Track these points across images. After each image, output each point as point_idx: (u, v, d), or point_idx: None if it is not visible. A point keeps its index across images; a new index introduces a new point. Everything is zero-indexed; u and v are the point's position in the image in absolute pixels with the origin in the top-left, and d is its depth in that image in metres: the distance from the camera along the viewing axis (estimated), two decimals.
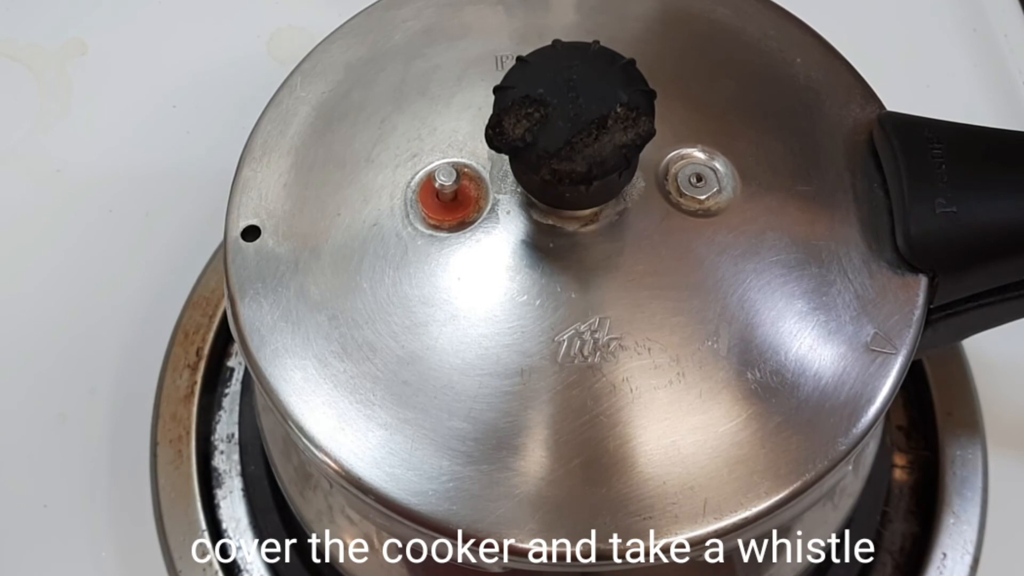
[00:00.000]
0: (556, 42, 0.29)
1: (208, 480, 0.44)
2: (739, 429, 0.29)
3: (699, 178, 0.32)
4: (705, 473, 0.29)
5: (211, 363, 0.46)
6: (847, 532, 0.40)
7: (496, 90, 0.29)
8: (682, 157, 0.32)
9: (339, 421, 0.29)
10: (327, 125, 0.34)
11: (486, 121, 0.29)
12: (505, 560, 0.29)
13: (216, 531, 0.43)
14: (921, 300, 0.31)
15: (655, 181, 0.32)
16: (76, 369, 0.48)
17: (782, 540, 0.37)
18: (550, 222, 0.31)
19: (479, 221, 0.32)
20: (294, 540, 0.42)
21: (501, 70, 0.29)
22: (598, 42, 0.29)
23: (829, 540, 0.39)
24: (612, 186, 0.30)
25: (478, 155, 0.32)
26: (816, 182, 0.32)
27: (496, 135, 0.28)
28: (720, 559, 0.31)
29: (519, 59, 0.29)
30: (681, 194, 0.32)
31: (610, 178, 0.29)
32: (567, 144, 0.28)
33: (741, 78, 0.34)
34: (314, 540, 0.39)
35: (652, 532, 0.28)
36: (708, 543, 0.29)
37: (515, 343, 0.30)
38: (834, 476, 0.30)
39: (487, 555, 0.29)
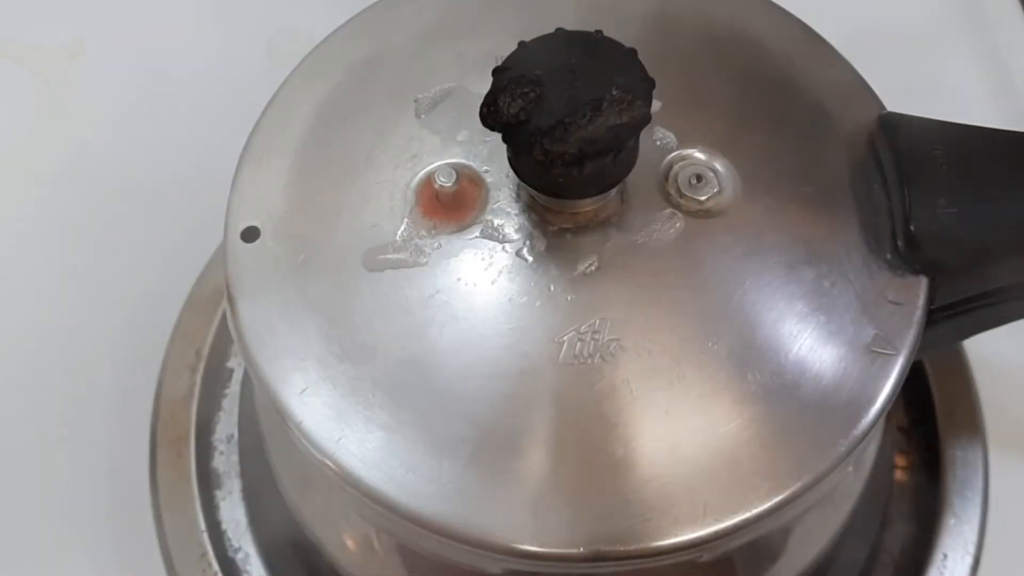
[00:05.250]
0: (559, 30, 0.30)
1: (208, 481, 0.44)
2: (739, 430, 0.29)
3: (699, 179, 0.32)
4: (705, 474, 0.29)
5: (211, 364, 0.46)
6: (847, 533, 0.40)
7: (495, 71, 0.29)
8: (682, 158, 0.32)
9: (339, 422, 0.29)
10: (327, 125, 0.34)
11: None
12: (505, 561, 0.29)
13: (216, 532, 0.43)
14: (921, 301, 0.31)
15: (655, 182, 0.32)
16: (75, 370, 0.48)
17: (782, 541, 0.37)
18: (550, 223, 0.31)
19: (479, 222, 0.32)
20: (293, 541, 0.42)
21: None
22: (601, 31, 0.29)
23: (829, 540, 0.39)
24: (608, 175, 0.30)
25: (478, 156, 0.32)
26: (816, 183, 0.32)
27: (490, 113, 0.28)
28: (720, 560, 0.31)
29: (520, 43, 0.29)
30: (681, 195, 0.32)
31: (605, 165, 0.29)
32: (560, 124, 0.28)
33: (741, 79, 0.34)
34: (313, 541, 0.39)
35: (652, 533, 0.28)
36: (709, 544, 0.29)
37: (515, 344, 0.30)
38: (834, 477, 0.30)
39: (487, 556, 0.29)
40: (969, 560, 0.42)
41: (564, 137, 0.28)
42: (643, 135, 0.29)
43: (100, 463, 0.46)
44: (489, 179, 0.32)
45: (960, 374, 0.46)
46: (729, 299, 0.30)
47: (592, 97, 0.28)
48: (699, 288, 0.31)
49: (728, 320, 0.30)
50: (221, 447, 0.45)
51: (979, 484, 0.44)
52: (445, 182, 0.31)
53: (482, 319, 0.30)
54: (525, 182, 0.31)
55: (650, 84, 0.28)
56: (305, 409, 0.30)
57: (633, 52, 0.29)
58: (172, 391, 0.46)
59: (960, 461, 0.44)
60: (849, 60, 0.35)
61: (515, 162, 0.30)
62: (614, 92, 0.28)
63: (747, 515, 0.28)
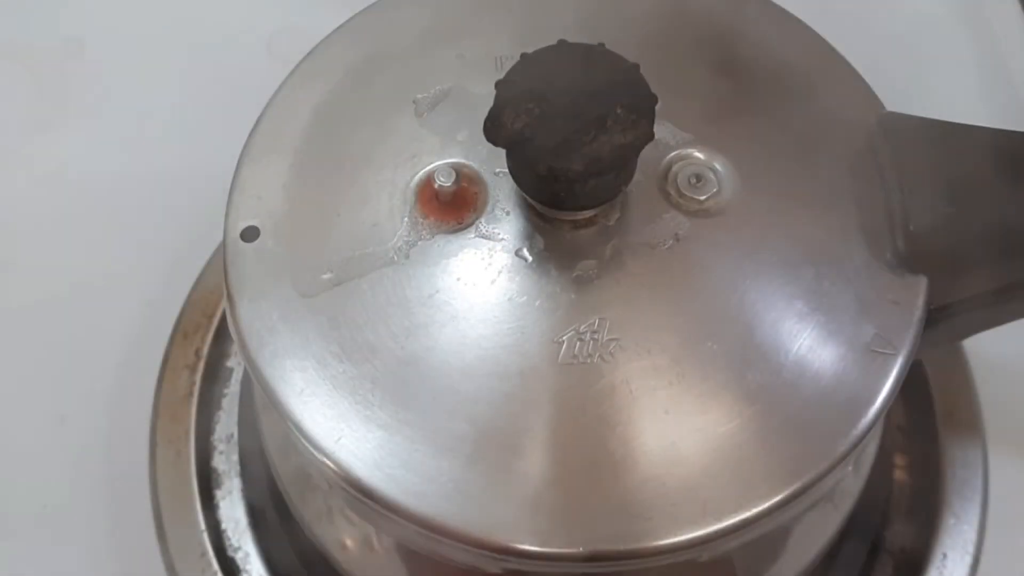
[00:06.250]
0: (561, 42, 0.29)
1: (207, 480, 0.44)
2: (739, 430, 0.29)
3: (699, 178, 0.32)
4: (705, 474, 0.29)
5: (210, 363, 0.46)
6: (847, 533, 0.40)
7: (498, 84, 0.29)
8: (682, 158, 0.32)
9: (338, 422, 0.29)
10: (327, 125, 0.34)
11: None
12: (505, 561, 0.29)
13: (215, 531, 0.43)
14: (921, 300, 0.31)
15: (655, 181, 0.32)
16: (75, 370, 0.48)
17: (782, 541, 0.37)
18: (550, 223, 0.31)
19: (478, 222, 0.32)
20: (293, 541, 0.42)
21: (500, 71, 0.29)
22: (603, 44, 0.29)
23: (829, 540, 0.39)
24: (609, 188, 0.30)
25: (478, 156, 0.32)
26: (816, 182, 0.32)
27: (494, 128, 0.28)
28: (720, 560, 0.31)
29: (523, 56, 0.29)
30: (681, 194, 0.32)
31: (606, 180, 0.29)
32: (564, 141, 0.28)
33: (741, 78, 0.34)
34: (313, 540, 0.39)
35: (652, 533, 0.28)
36: (709, 544, 0.29)
37: (515, 344, 0.30)
38: (834, 477, 0.30)
39: (486, 556, 0.29)
40: (969, 560, 0.42)
41: (568, 155, 0.28)
42: None
43: (100, 463, 0.46)
44: (488, 179, 0.32)
45: (960, 374, 0.46)
46: (729, 299, 0.30)
47: (596, 115, 0.28)
48: (699, 288, 0.31)
49: (728, 320, 0.30)
50: (221, 446, 0.45)
51: (979, 484, 0.44)
52: (445, 182, 0.31)
53: (482, 319, 0.30)
54: (528, 195, 0.31)
55: (652, 101, 0.28)
56: (305, 409, 0.30)
57: (636, 67, 0.29)
58: (172, 391, 0.46)
59: (960, 461, 0.44)
60: (849, 60, 0.35)
61: (517, 174, 0.30)
62: (618, 111, 0.28)
63: (747, 515, 0.28)
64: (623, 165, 0.29)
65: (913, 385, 0.46)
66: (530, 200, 0.31)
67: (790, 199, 0.32)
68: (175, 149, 0.53)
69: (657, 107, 0.29)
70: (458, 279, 0.31)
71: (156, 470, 0.44)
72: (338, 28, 0.36)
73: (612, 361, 0.30)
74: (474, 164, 0.32)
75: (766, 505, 0.28)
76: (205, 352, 0.46)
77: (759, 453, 0.29)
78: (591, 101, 0.28)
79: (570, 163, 0.28)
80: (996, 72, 0.56)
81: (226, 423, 0.46)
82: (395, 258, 0.31)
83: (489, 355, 0.30)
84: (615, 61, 0.29)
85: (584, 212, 0.31)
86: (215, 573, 0.42)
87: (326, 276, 0.31)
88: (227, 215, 0.32)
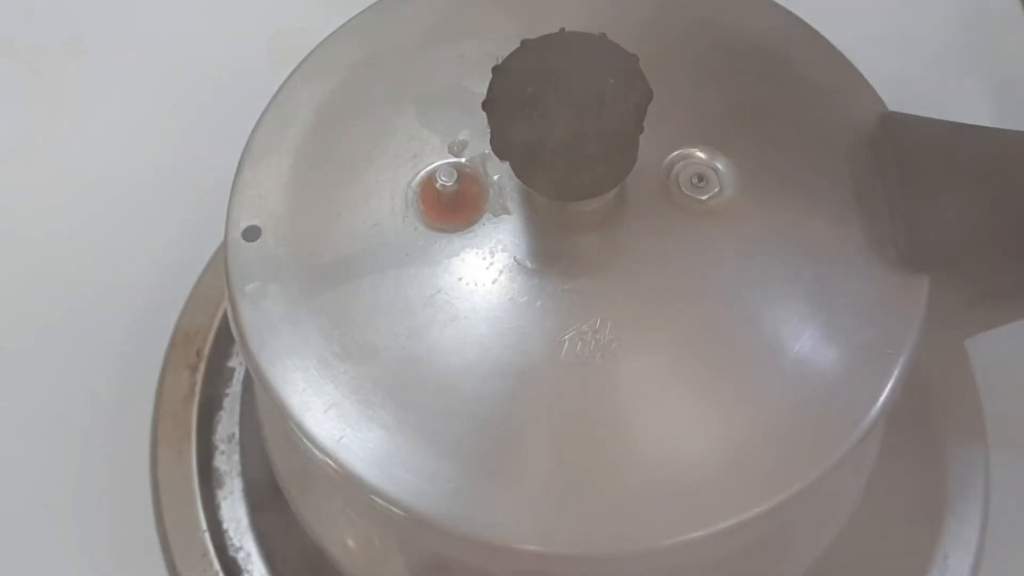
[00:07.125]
0: (524, 42, 0.29)
1: (209, 480, 0.44)
2: (740, 430, 0.29)
3: (700, 178, 0.32)
4: (706, 474, 0.29)
5: (211, 363, 0.46)
6: (847, 533, 0.40)
7: (485, 105, 0.28)
8: (683, 157, 0.32)
9: (340, 422, 0.29)
10: (327, 125, 0.34)
11: (486, 121, 0.29)
12: (505, 561, 0.29)
13: (217, 531, 0.43)
14: (922, 301, 0.31)
15: (656, 181, 0.32)
16: (76, 369, 0.48)
17: (782, 541, 0.37)
18: (551, 222, 0.31)
19: (480, 221, 0.32)
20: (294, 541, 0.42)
21: None
22: (563, 29, 0.29)
23: (829, 540, 0.39)
24: (624, 163, 0.30)
25: (479, 155, 0.32)
26: (817, 182, 0.32)
27: (505, 148, 0.28)
28: (721, 560, 0.31)
29: (494, 69, 0.29)
30: (682, 194, 0.32)
31: (620, 157, 0.29)
32: (576, 133, 0.28)
33: (742, 78, 0.34)
34: (315, 540, 0.39)
35: (653, 533, 0.28)
36: (709, 544, 0.29)
37: (516, 344, 0.30)
38: (835, 477, 0.30)
39: (487, 556, 0.29)
40: (970, 560, 0.42)
41: (583, 142, 0.28)
42: (644, 135, 0.29)
43: (100, 463, 0.46)
44: (490, 179, 0.32)
45: (960, 374, 0.46)
46: (729, 299, 0.31)
47: (592, 93, 0.28)
48: (700, 288, 0.31)
49: (729, 320, 0.30)
50: (222, 446, 0.45)
51: (979, 484, 0.44)
52: (446, 181, 0.31)
53: (483, 318, 0.30)
54: (544, 194, 0.31)
55: (635, 59, 0.28)
56: (306, 408, 0.30)
57: (603, 36, 0.28)
58: (173, 391, 0.46)
59: (960, 461, 0.44)
60: (850, 60, 0.35)
61: (532, 179, 0.30)
62: (611, 81, 0.28)
63: (747, 515, 0.28)
64: (640, 129, 0.28)
65: (913, 385, 0.46)
66: (537, 195, 0.31)
67: (792, 199, 0.32)
68: (176, 149, 0.53)
69: (659, 107, 0.29)
70: (460, 279, 0.31)
71: (157, 470, 0.44)
72: (338, 28, 0.36)
73: (613, 361, 0.30)
74: (475, 164, 0.32)
75: (767, 505, 0.28)
76: (206, 352, 0.46)
77: (760, 453, 0.29)
78: (580, 82, 0.28)
79: (589, 148, 0.28)
80: (996, 72, 0.56)
81: (227, 423, 0.46)
82: (397, 258, 0.31)
83: (491, 355, 0.30)
84: (582, 38, 0.29)
85: (588, 203, 0.31)
86: (216, 573, 0.42)
87: (327, 276, 0.31)
88: (228, 215, 0.33)
